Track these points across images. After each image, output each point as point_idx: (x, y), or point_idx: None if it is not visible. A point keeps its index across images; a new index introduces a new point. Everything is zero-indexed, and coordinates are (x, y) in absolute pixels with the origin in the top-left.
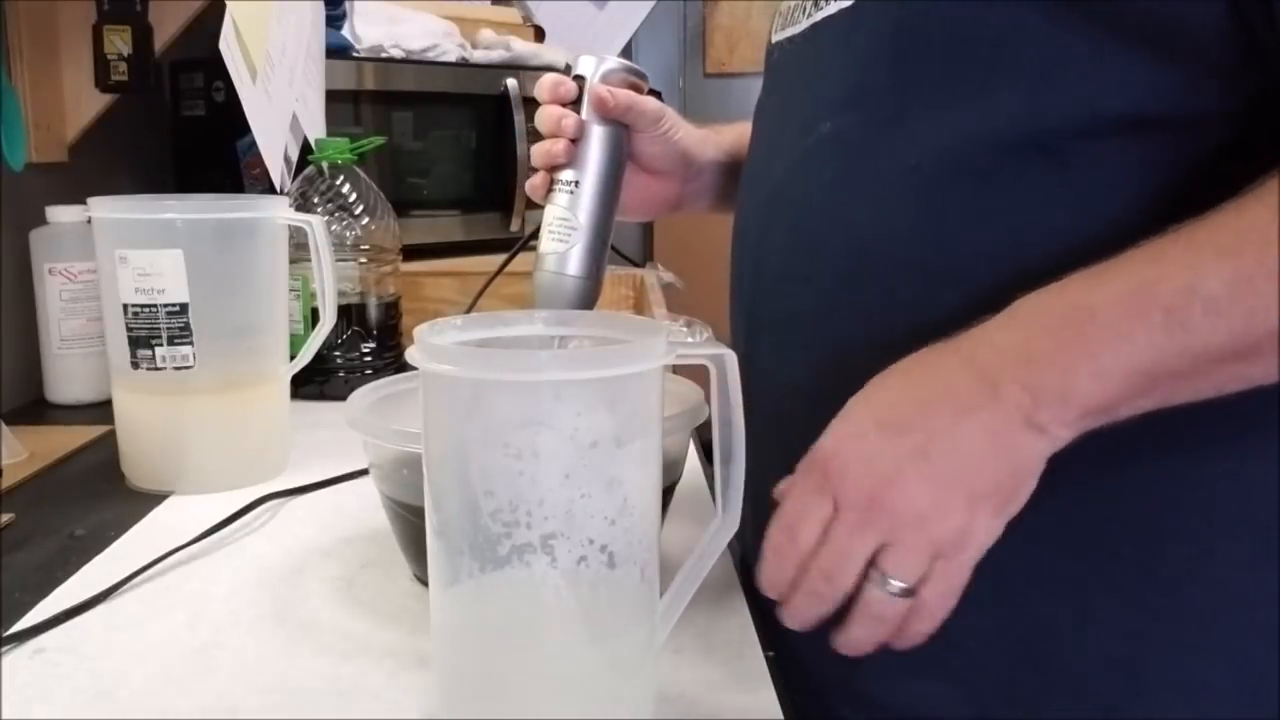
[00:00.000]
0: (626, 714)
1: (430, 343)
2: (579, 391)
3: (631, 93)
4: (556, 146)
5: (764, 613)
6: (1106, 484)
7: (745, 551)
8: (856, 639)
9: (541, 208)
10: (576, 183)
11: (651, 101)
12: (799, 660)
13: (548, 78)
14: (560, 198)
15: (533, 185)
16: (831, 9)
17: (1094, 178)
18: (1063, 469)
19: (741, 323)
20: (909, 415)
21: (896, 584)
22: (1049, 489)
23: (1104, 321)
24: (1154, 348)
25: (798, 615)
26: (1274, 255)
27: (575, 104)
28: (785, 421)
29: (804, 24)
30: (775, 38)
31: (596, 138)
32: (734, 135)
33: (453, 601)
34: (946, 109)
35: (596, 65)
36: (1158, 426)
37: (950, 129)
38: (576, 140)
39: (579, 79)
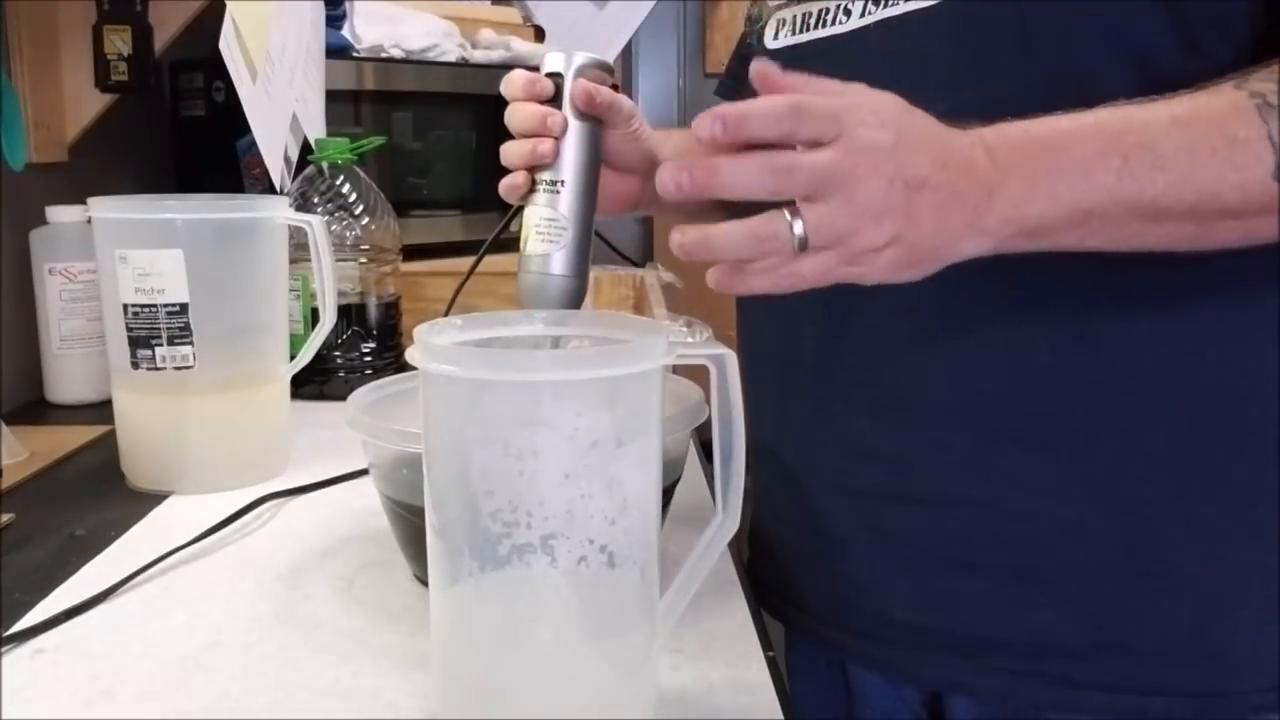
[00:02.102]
0: (626, 714)
1: (430, 343)
2: (579, 391)
3: (610, 90)
4: (543, 146)
5: (764, 613)
6: (1191, 411)
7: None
8: (722, 244)
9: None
10: (561, 182)
11: (626, 101)
12: (896, 624)
13: (519, 74)
14: (543, 198)
15: (512, 185)
16: (915, 4)
17: None
18: (1163, 396)
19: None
20: (919, 151)
21: (799, 229)
22: (1142, 426)
23: (1073, 154)
24: (1104, 190)
25: (726, 172)
26: (1216, 131)
27: (551, 102)
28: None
29: (857, 21)
30: (790, 40)
31: (577, 135)
32: (682, 137)
33: (453, 601)
34: (1073, 91)
35: (569, 61)
36: (1256, 363)
37: (1067, 108)
38: (559, 139)
39: (554, 76)
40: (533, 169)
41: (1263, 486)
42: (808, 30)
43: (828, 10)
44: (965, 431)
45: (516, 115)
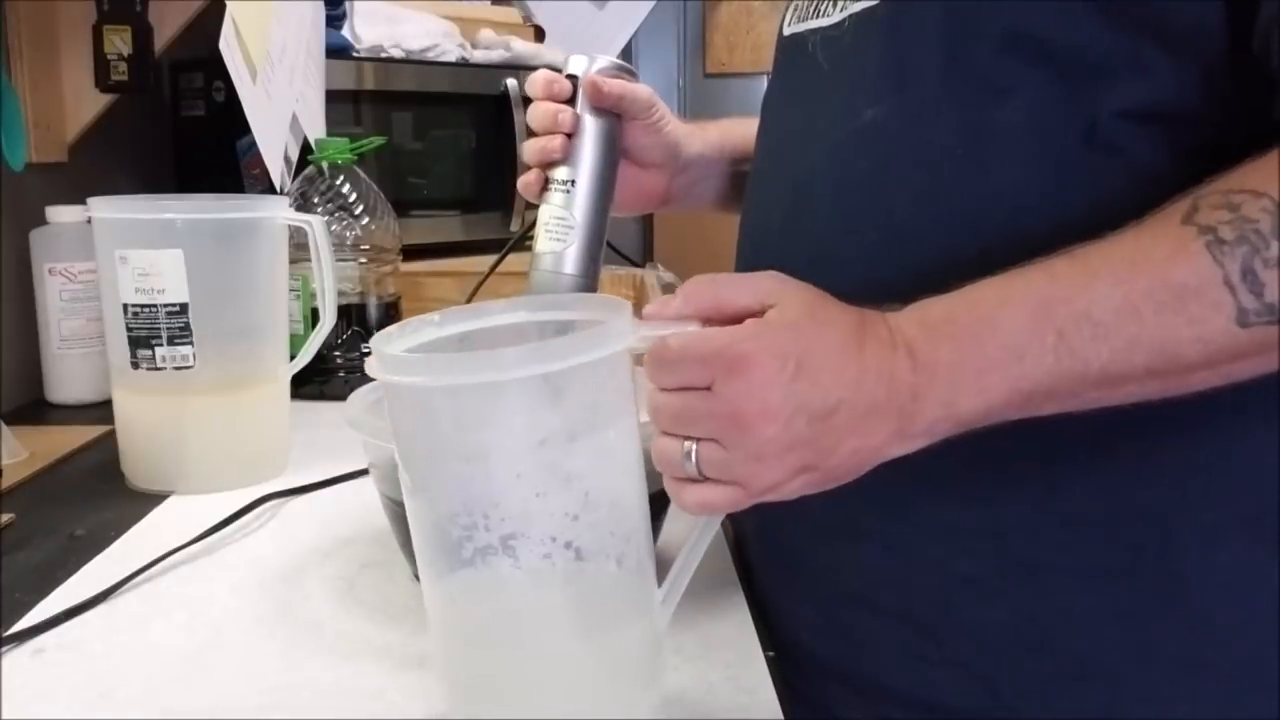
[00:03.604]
0: (627, 710)
1: (380, 351)
2: (519, 391)
3: (624, 81)
4: (553, 142)
5: (764, 613)
6: (1116, 476)
7: (739, 535)
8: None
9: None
10: (573, 181)
11: (643, 89)
12: (801, 647)
13: (541, 74)
14: (556, 196)
15: (526, 182)
16: (867, 2)
17: (1132, 165)
18: (1076, 462)
19: None
20: (824, 380)
21: (692, 463)
22: (1063, 482)
23: (1002, 335)
24: (1041, 369)
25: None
26: (1161, 284)
27: (569, 102)
28: None
29: (836, 15)
30: (793, 29)
31: (591, 133)
32: (719, 131)
33: (435, 601)
34: (992, 99)
35: (589, 63)
36: (1164, 420)
37: (994, 120)
38: (572, 136)
39: (572, 78)
40: (545, 166)
41: (1201, 571)
42: (807, 19)
43: (821, 1)
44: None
45: (534, 114)
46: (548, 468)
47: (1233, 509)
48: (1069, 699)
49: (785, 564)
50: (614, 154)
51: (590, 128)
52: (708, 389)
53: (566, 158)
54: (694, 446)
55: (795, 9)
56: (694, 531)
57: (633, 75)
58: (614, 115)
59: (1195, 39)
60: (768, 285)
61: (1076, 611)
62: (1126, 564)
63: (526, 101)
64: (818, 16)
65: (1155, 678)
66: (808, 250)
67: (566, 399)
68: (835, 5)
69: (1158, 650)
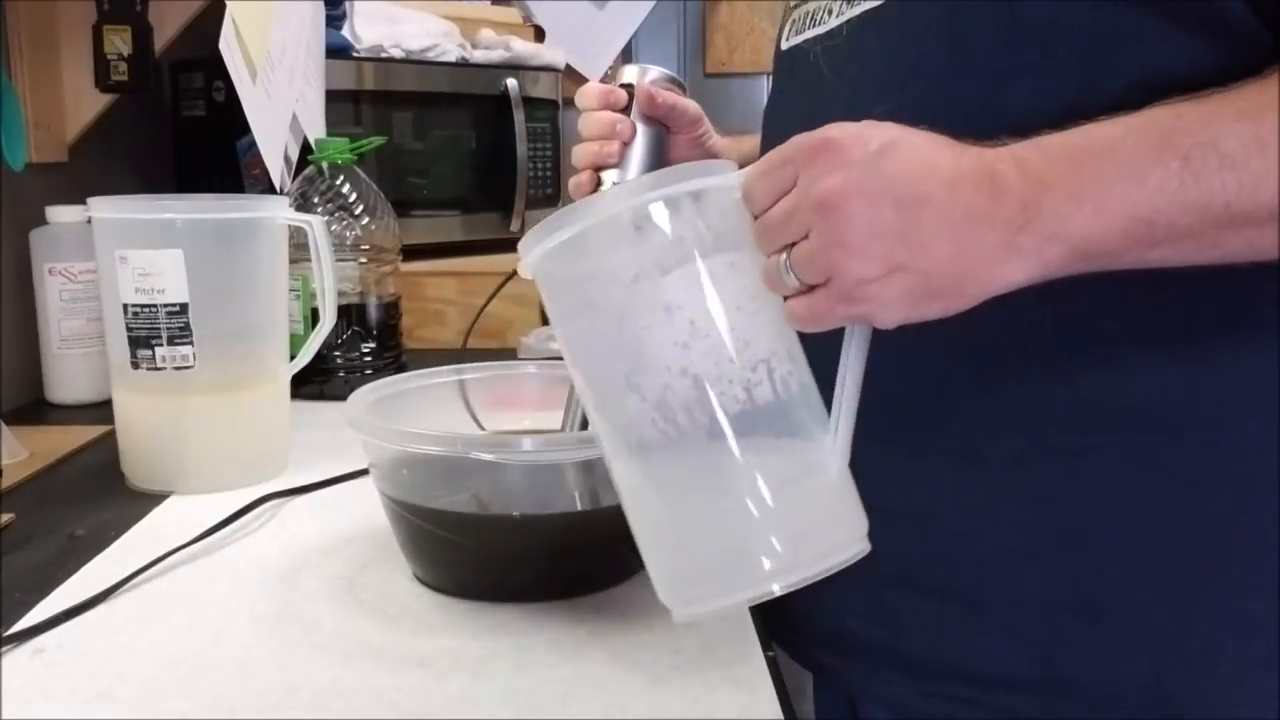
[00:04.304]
0: (837, 520)
1: (523, 254)
2: (603, 234)
3: (674, 94)
4: (609, 147)
5: (765, 612)
6: (1150, 438)
7: None
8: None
9: (541, 208)
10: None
11: (692, 104)
12: (847, 636)
13: (595, 86)
14: None
15: (578, 183)
16: (876, 1)
17: None
18: (1109, 427)
19: None
20: (912, 170)
21: (791, 278)
22: (1098, 447)
23: (1123, 158)
24: (1164, 194)
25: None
26: None
27: (624, 110)
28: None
29: (833, 22)
30: (791, 42)
31: (641, 141)
32: (753, 144)
33: (626, 488)
34: (1000, 88)
35: (641, 74)
36: (1204, 382)
37: (1004, 106)
38: (627, 144)
39: (626, 87)
40: (598, 169)
41: (1242, 527)
42: (804, 30)
43: (818, 11)
44: (907, 440)
45: (589, 122)
46: (648, 301)
47: (1266, 462)
48: (1118, 660)
49: None
50: (660, 162)
51: (640, 135)
52: (795, 188)
53: (619, 163)
54: (788, 253)
55: (792, 23)
56: (842, 363)
57: (682, 88)
58: (662, 126)
59: (1202, 6)
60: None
61: (1120, 573)
62: (1166, 524)
63: (527, 103)
64: (815, 26)
65: (1201, 633)
66: None
67: (648, 236)
68: (831, 14)
69: (1201, 606)
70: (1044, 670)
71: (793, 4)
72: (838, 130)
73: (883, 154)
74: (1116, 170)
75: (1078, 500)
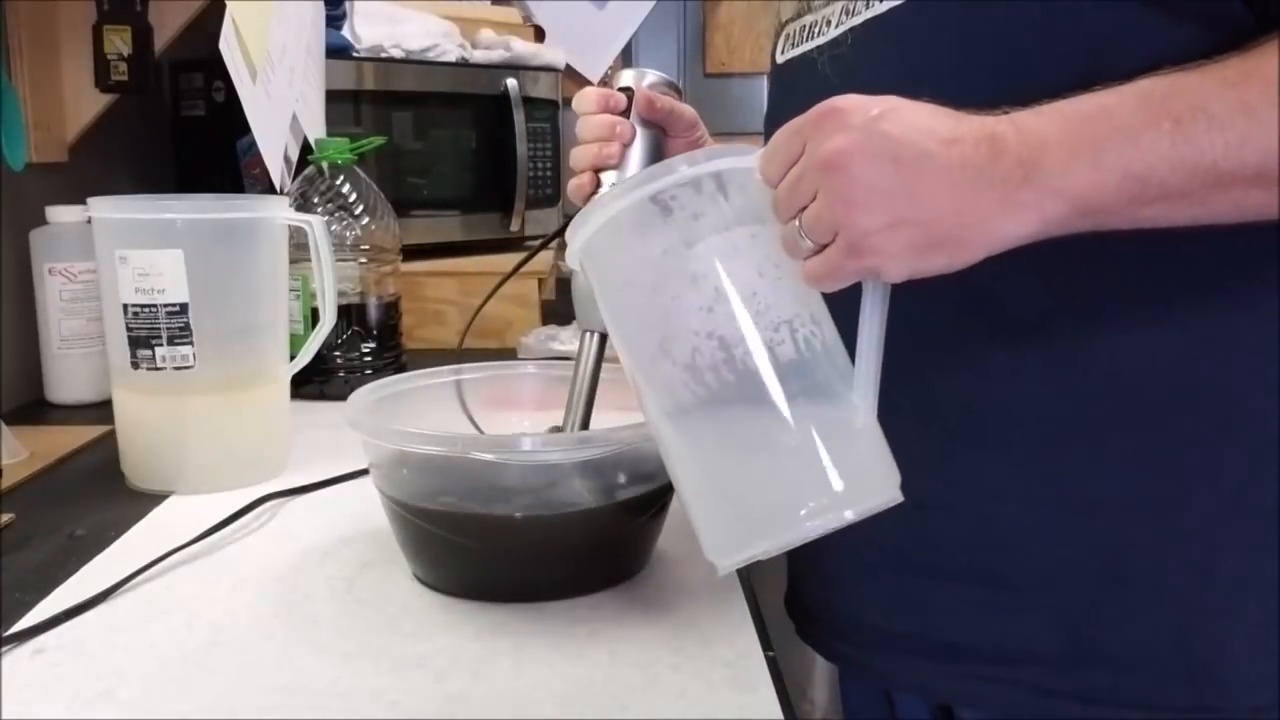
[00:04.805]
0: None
1: (570, 242)
2: (631, 216)
3: (672, 98)
4: (609, 148)
5: (787, 607)
6: (1160, 412)
7: None
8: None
9: (541, 208)
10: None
11: (688, 108)
12: (868, 629)
13: (593, 91)
14: None
15: (579, 184)
16: (881, 8)
17: None
18: (1120, 403)
19: None
20: (911, 131)
21: (805, 241)
22: (1110, 422)
23: (1118, 120)
24: (1156, 153)
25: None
26: (1274, 90)
27: (623, 114)
28: None
29: (834, 32)
30: (788, 55)
31: (640, 142)
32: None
33: (671, 450)
34: (1010, 89)
35: (640, 77)
36: (1208, 351)
37: (1009, 99)
38: (627, 146)
39: (625, 91)
40: (598, 170)
41: (1254, 489)
42: (802, 43)
43: (816, 23)
44: (922, 433)
45: (588, 125)
46: (675, 272)
47: (1271, 427)
48: (1142, 627)
49: (847, 548)
50: (658, 161)
51: (639, 138)
52: (803, 154)
53: (619, 164)
54: (800, 217)
55: (787, 38)
56: (861, 320)
57: (678, 93)
58: (659, 129)
59: (1205, 3)
60: None
61: (1140, 541)
62: (1180, 491)
63: (527, 103)
64: (813, 38)
65: (1220, 594)
66: None
67: (674, 215)
68: (831, 25)
69: (1220, 568)
70: (1070, 643)
71: (785, 20)
72: (841, 99)
73: (883, 117)
74: (1112, 130)
75: (1094, 474)
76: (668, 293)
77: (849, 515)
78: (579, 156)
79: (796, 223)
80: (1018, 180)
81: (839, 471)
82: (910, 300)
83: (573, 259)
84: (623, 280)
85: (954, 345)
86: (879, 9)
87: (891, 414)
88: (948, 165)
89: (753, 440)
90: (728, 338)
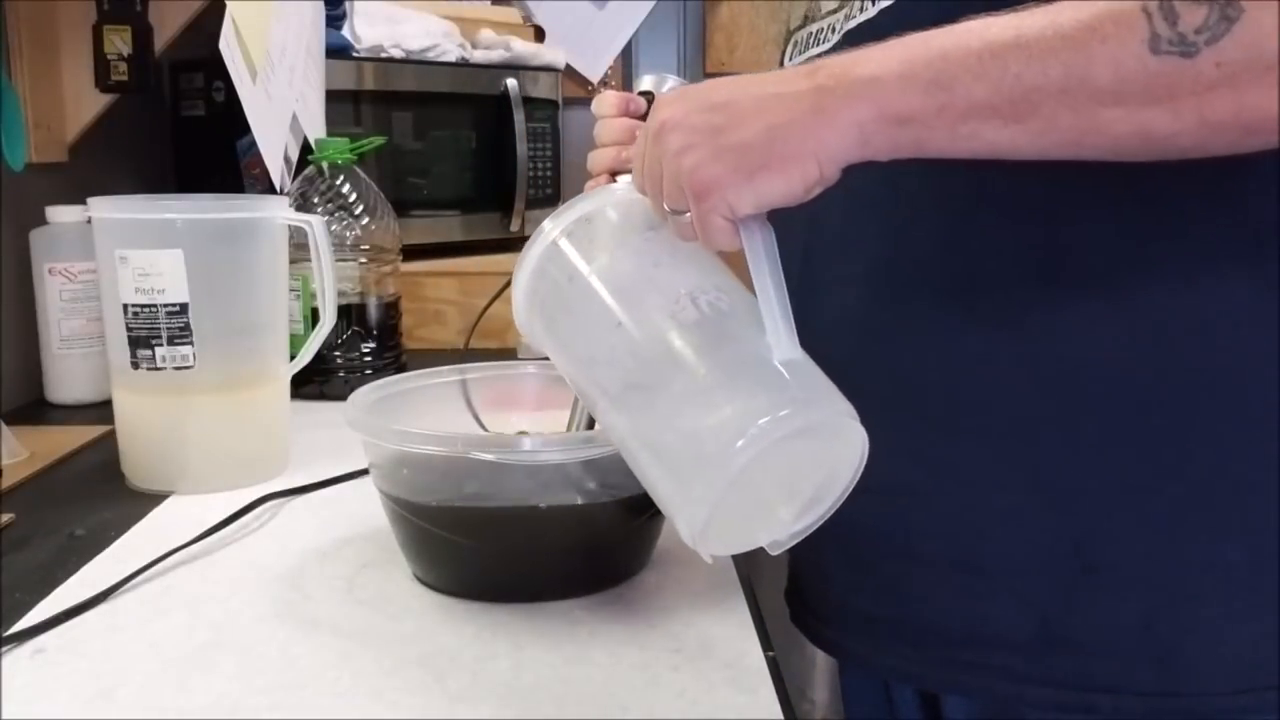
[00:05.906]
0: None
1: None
2: (565, 243)
3: None
4: (627, 152)
5: (788, 600)
6: (1133, 400)
7: None
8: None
9: (541, 208)
10: None
11: None
12: (850, 608)
13: (614, 94)
14: None
15: (598, 186)
16: (872, 11)
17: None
18: (1093, 392)
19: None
20: (728, 82)
21: (666, 211)
22: (1085, 410)
23: (931, 39)
24: (962, 66)
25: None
26: (1082, 6)
27: (641, 118)
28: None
29: (835, 39)
30: (796, 62)
31: None
32: None
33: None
34: None
35: (659, 82)
36: (1174, 338)
37: None
38: None
39: (645, 95)
40: (614, 174)
41: (1220, 477)
42: (809, 48)
43: (822, 30)
44: (899, 420)
45: (607, 128)
46: (584, 292)
47: (1241, 418)
48: (1110, 611)
49: (836, 527)
50: None
51: None
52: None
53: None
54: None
55: (795, 45)
56: (750, 264)
57: None
58: None
59: None
60: None
61: (1111, 527)
62: (1151, 478)
63: (527, 103)
64: (820, 44)
65: (1186, 579)
66: (826, 256)
67: (577, 245)
68: (835, 31)
69: (1185, 554)
70: (1041, 628)
71: (794, 27)
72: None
73: (702, 88)
74: (921, 46)
75: (1068, 461)
76: (580, 312)
77: (788, 422)
78: (597, 159)
79: (665, 204)
80: (829, 90)
81: (765, 393)
82: (885, 288)
83: (520, 323)
84: (560, 309)
85: (929, 333)
86: (870, 12)
87: (867, 401)
88: (761, 92)
89: (675, 400)
90: (632, 320)
